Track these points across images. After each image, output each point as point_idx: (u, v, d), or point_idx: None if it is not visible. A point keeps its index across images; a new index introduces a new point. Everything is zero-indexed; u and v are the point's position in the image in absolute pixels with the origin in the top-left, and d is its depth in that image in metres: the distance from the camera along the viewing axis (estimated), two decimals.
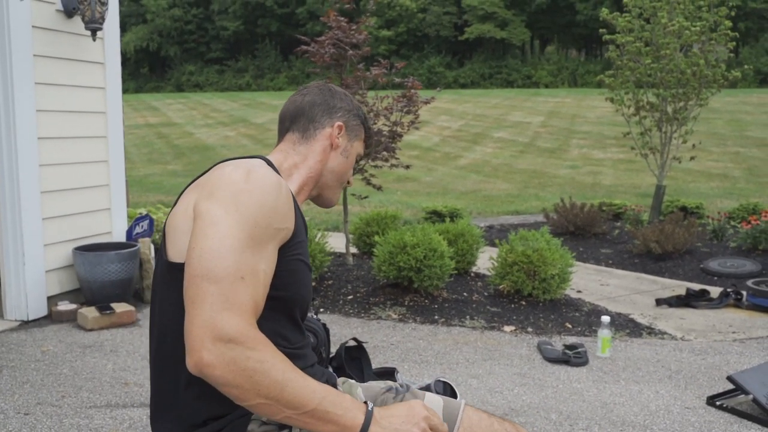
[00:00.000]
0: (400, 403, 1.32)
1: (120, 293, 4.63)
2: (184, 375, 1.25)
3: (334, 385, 1.48)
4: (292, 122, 1.53)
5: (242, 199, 1.23)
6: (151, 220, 5.30)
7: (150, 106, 31.72)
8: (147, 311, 4.75)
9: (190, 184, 1.36)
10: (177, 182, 14.07)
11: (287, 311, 1.35)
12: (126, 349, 3.97)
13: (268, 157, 1.48)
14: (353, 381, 1.56)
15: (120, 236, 5.13)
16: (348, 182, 1.63)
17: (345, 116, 1.55)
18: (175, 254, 1.28)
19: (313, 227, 5.64)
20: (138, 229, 5.17)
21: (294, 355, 1.32)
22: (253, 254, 1.20)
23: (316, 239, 5.26)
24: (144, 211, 6.07)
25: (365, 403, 1.26)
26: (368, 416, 1.21)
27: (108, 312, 4.37)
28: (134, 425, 2.98)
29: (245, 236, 1.20)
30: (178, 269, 1.24)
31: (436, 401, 1.51)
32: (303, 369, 1.30)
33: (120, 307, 4.46)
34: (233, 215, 1.21)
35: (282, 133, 1.55)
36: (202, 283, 1.15)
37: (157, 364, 1.36)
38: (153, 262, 5.04)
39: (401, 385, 1.57)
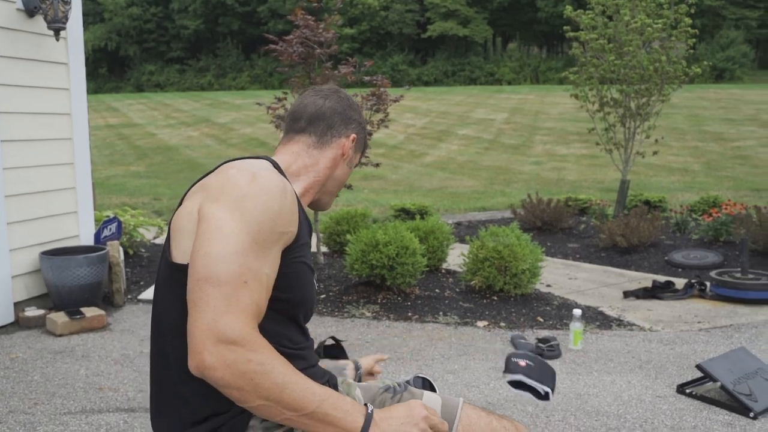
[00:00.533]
0: (400, 404, 1.33)
1: (89, 297, 4.56)
2: (185, 373, 1.26)
3: (335, 385, 1.48)
4: (309, 124, 1.52)
5: (247, 204, 1.24)
6: (119, 223, 5.23)
7: (110, 106, 31.21)
8: (118, 315, 4.69)
9: (194, 185, 1.37)
10: (140, 183, 13.88)
11: (291, 313, 1.36)
12: (98, 354, 3.91)
13: (274, 157, 1.49)
14: (352, 381, 1.57)
15: (88, 240, 5.04)
16: None
17: (357, 129, 1.58)
18: (178, 255, 1.29)
19: None
20: (106, 232, 5.09)
21: (297, 356, 1.33)
22: (256, 258, 1.21)
23: None
24: (111, 214, 5.98)
25: (365, 405, 1.27)
26: (368, 419, 1.22)
27: (78, 317, 4.29)
28: (111, 430, 2.94)
29: (249, 240, 1.21)
30: (181, 270, 1.25)
31: (434, 399, 1.53)
32: (305, 369, 1.31)
33: (90, 312, 4.39)
34: (238, 220, 1.22)
35: (294, 131, 1.53)
36: (205, 286, 1.16)
37: (158, 361, 1.37)
38: (122, 265, 4.97)
39: (399, 384, 1.58)
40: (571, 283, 5.78)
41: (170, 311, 1.30)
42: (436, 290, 5.18)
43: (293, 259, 1.32)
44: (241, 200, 1.24)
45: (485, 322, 4.57)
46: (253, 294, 1.19)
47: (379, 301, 4.89)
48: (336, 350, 2.21)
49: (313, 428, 1.20)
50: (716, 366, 3.41)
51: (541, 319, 4.67)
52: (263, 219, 1.23)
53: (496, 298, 5.01)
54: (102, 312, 4.44)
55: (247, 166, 1.32)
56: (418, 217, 6.56)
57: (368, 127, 5.66)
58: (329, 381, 1.47)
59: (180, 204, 1.35)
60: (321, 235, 6.23)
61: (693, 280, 5.47)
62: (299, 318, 1.39)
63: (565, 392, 3.42)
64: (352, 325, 4.50)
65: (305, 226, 1.39)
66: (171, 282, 1.30)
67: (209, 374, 1.13)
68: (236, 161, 1.38)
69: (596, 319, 4.74)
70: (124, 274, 5.10)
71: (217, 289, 1.15)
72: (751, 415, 3.14)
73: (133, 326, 4.45)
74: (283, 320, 1.34)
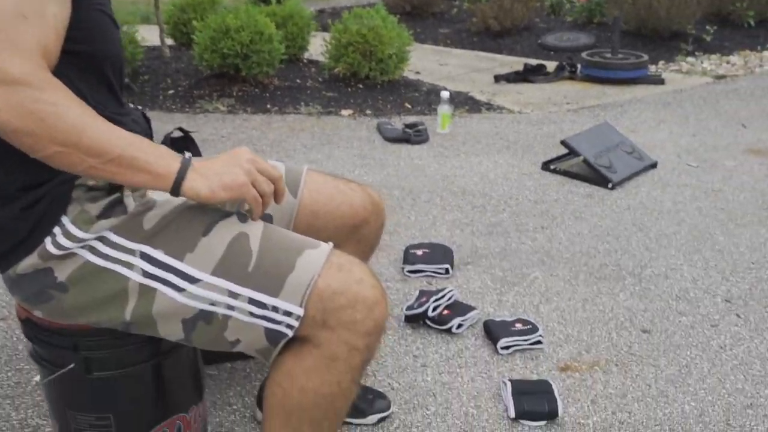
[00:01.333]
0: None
1: None
2: None
3: None
4: None
5: None
6: None
7: None
8: None
9: None
10: None
11: (97, 70, 1.17)
12: None
13: None
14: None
15: None
16: None
17: None
18: None
19: (118, 19, 4.93)
20: None
21: (112, 121, 1.10)
22: None
23: (123, 29, 4.60)
24: None
25: (183, 154, 1.11)
26: (185, 163, 1.08)
27: None
28: None
29: None
30: None
31: (279, 165, 1.49)
32: None
33: None
34: None
35: None
36: None
37: None
38: None
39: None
40: (442, 69, 5.54)
41: None
42: (297, 80, 4.80)
43: (90, 6, 1.12)
44: None
45: (350, 111, 4.29)
46: (36, 30, 1.01)
47: (234, 94, 4.47)
48: (184, 143, 1.89)
49: (123, 177, 1.05)
50: (579, 141, 3.37)
51: (409, 105, 4.44)
52: None
53: (361, 85, 4.71)
54: None
55: None
56: (274, 2, 5.94)
57: None
58: None
59: None
60: (165, 26, 5.55)
61: (564, 62, 5.36)
62: (109, 77, 1.20)
63: (431, 175, 3.28)
64: (206, 120, 4.10)
65: None
66: None
67: None
68: None
69: (466, 103, 4.56)
70: None
71: None
72: (610, 185, 3.15)
73: None
74: (89, 79, 1.15)
